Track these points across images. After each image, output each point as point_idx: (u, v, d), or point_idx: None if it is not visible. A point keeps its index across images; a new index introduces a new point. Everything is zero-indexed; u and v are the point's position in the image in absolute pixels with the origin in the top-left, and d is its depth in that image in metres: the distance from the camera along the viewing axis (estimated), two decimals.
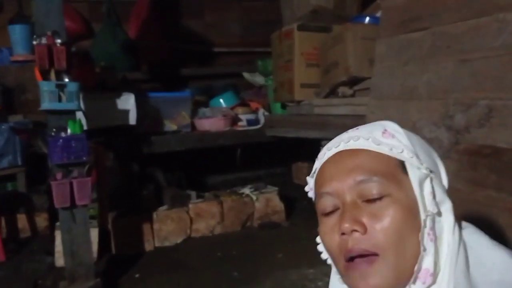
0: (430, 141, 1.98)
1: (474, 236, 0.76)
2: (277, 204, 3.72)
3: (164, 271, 2.97)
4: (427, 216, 0.72)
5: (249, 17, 5.23)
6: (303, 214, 3.76)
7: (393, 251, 0.70)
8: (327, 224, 0.76)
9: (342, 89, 2.98)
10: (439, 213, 0.74)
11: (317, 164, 0.81)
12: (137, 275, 2.91)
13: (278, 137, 3.75)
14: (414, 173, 0.73)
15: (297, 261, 2.88)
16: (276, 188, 3.82)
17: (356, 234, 0.70)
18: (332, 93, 3.09)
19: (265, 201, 3.70)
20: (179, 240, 3.41)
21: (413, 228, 0.71)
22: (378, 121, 0.82)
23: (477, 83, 1.68)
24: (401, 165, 0.74)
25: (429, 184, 0.74)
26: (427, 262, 0.71)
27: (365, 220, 0.71)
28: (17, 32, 2.53)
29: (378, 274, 0.69)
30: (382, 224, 0.70)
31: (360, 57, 2.83)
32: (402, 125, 0.79)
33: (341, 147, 0.77)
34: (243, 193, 3.71)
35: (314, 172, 0.81)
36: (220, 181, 4.52)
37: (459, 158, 1.72)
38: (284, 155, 4.50)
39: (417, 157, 0.74)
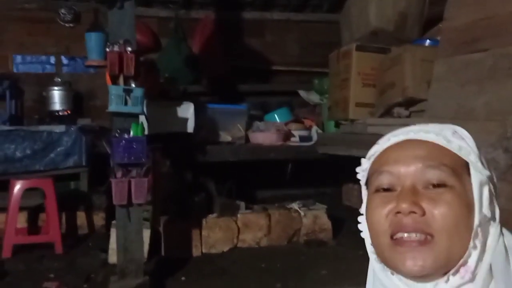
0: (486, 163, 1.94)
1: None
2: (325, 222, 3.71)
3: (209, 277, 3.04)
4: (482, 218, 0.73)
5: (308, 38, 5.32)
6: (350, 235, 3.72)
7: (448, 236, 0.71)
8: (379, 200, 0.76)
9: (397, 110, 2.97)
10: (493, 218, 0.75)
11: (378, 148, 0.80)
12: (183, 278, 3.00)
13: (330, 156, 3.75)
14: (477, 176, 0.75)
15: (341, 280, 2.86)
16: (325, 206, 3.81)
17: (414, 215, 0.71)
18: (387, 113, 3.08)
19: (313, 218, 3.70)
20: (225, 249, 3.48)
21: (467, 224, 0.72)
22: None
23: None
24: (466, 166, 0.75)
25: (487, 190, 0.75)
26: (472, 259, 0.72)
27: (424, 204, 0.72)
28: (92, 39, 2.74)
29: (429, 254, 0.70)
30: (440, 210, 0.71)
31: (418, 79, 2.82)
32: None
33: (411, 136, 0.77)
34: (291, 208, 3.74)
35: (373, 155, 0.81)
36: (269, 196, 4.57)
37: None
38: (335, 176, 4.48)
39: (482, 162, 0.75)
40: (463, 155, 0.75)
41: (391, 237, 0.73)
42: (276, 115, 4.22)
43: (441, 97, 2.12)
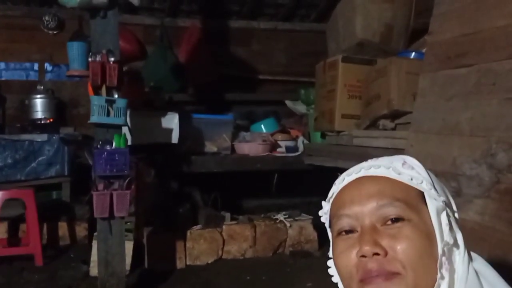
0: (470, 179, 1.94)
1: (484, 267, 0.76)
2: (311, 232, 3.69)
3: None
4: (444, 245, 0.73)
5: (295, 48, 5.31)
6: None
7: (413, 270, 0.70)
8: (343, 244, 0.76)
9: (383, 122, 2.97)
10: (455, 245, 0.75)
11: (335, 189, 0.82)
12: None
13: (315, 166, 3.74)
14: (432, 204, 0.75)
15: None
16: (311, 217, 3.78)
17: (377, 257, 0.71)
18: (373, 125, 3.08)
19: (298, 229, 3.68)
20: (210, 260, 3.44)
21: (431, 254, 0.72)
22: (399, 155, 0.84)
23: None
24: (420, 195, 0.76)
25: (445, 216, 0.75)
26: None
27: (385, 243, 0.71)
28: (75, 48, 2.69)
29: None
30: (402, 246, 0.71)
31: (403, 91, 2.82)
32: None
33: (362, 173, 0.79)
34: (277, 219, 3.71)
35: (331, 197, 0.82)
36: (255, 206, 4.53)
37: (500, 198, 1.67)
38: (321, 185, 4.44)
39: (435, 189, 0.77)
40: (415, 184, 0.76)
41: (360, 280, 0.73)
42: (262, 125, 4.19)
43: (426, 112, 2.11)
